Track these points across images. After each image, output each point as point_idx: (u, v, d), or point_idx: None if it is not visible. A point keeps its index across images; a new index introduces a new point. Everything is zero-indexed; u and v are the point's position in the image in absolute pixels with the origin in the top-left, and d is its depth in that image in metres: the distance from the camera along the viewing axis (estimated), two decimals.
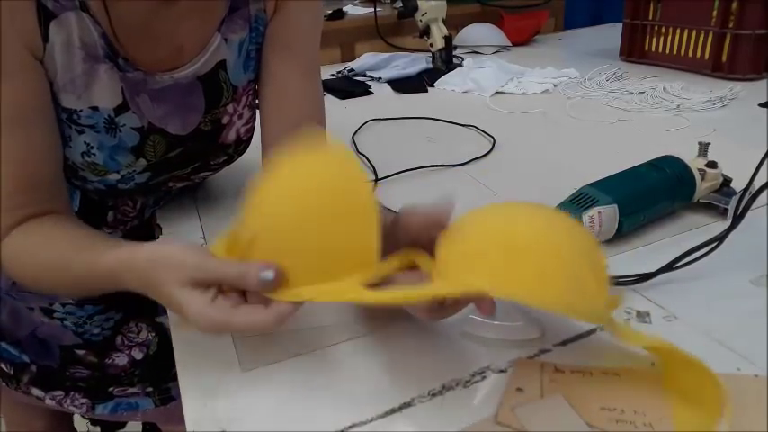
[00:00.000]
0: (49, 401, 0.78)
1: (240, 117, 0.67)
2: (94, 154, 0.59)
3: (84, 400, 0.79)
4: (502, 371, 0.45)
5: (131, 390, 0.80)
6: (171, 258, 0.43)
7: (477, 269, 0.40)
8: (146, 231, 0.74)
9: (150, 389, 0.80)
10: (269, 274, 0.42)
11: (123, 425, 1.16)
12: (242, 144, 0.70)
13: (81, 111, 0.57)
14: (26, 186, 0.55)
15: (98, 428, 1.15)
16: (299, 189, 0.44)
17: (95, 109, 0.57)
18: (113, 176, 0.62)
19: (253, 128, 0.70)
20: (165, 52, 0.59)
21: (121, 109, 0.58)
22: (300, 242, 0.43)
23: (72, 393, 0.78)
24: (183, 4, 0.57)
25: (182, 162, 0.66)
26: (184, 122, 0.63)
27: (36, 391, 0.78)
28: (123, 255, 0.47)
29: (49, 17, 0.51)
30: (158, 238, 0.70)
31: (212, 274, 0.43)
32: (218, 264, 0.43)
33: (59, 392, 0.78)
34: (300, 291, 0.43)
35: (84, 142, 0.58)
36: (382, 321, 0.51)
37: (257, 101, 0.69)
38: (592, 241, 0.44)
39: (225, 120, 0.66)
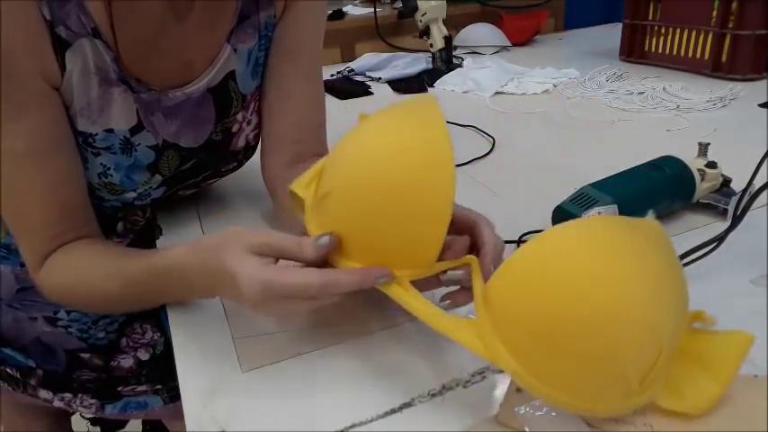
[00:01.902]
0: (57, 403, 0.78)
1: (249, 123, 0.67)
2: (111, 174, 0.60)
3: (92, 401, 0.79)
4: (502, 371, 0.45)
5: (140, 388, 0.80)
6: (235, 231, 0.45)
7: (512, 338, 0.37)
8: (147, 232, 0.74)
9: (159, 386, 0.80)
10: (324, 239, 0.43)
11: (123, 425, 1.16)
12: (251, 149, 0.70)
13: (96, 134, 0.57)
14: (60, 214, 0.56)
15: (98, 429, 1.15)
16: (381, 171, 0.41)
17: (110, 131, 0.57)
18: (130, 194, 0.62)
19: (260, 132, 0.70)
20: (174, 69, 0.59)
21: (136, 129, 0.59)
22: (364, 223, 0.43)
23: (80, 395, 0.79)
24: (192, 19, 0.57)
25: (194, 173, 0.67)
26: (196, 135, 0.63)
27: (44, 394, 0.78)
28: (186, 245, 0.48)
29: (64, 46, 0.51)
30: (158, 238, 0.70)
31: (273, 241, 0.44)
32: (279, 235, 0.45)
33: (68, 394, 0.78)
34: (352, 264, 0.44)
35: (101, 164, 0.59)
36: (382, 322, 0.52)
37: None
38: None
39: (235, 128, 0.66)
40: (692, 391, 0.38)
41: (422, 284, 0.45)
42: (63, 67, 0.52)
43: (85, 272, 0.55)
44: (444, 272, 0.46)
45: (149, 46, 0.56)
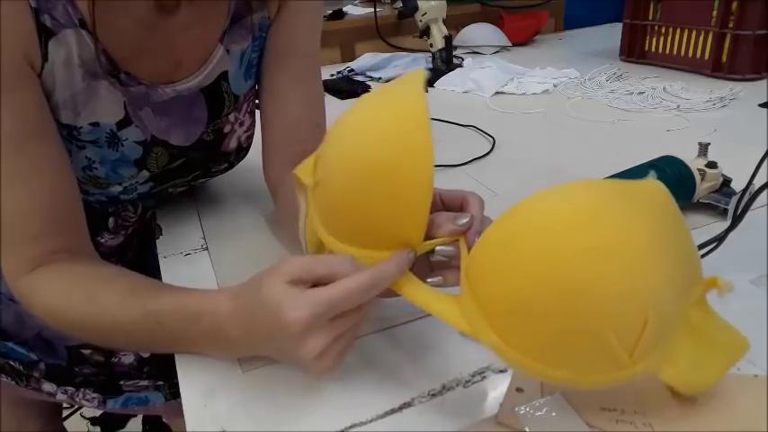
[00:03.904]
0: (60, 396, 0.79)
1: (241, 124, 0.67)
2: (96, 168, 0.59)
3: (95, 395, 0.79)
4: (502, 371, 0.45)
5: (142, 383, 0.80)
6: (270, 267, 0.42)
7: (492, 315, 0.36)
8: (146, 232, 0.74)
9: (160, 383, 0.80)
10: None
11: (124, 425, 1.16)
12: (243, 151, 0.70)
13: (81, 127, 0.56)
14: (49, 206, 0.52)
15: (98, 429, 1.15)
16: (362, 155, 0.41)
17: (96, 125, 0.57)
18: (116, 188, 0.62)
19: (253, 134, 0.70)
20: (164, 66, 0.58)
21: (124, 123, 0.58)
22: (350, 207, 0.43)
23: (83, 389, 0.79)
24: (181, 17, 0.57)
25: (183, 171, 0.66)
26: (187, 134, 0.63)
27: (47, 387, 0.78)
28: (231, 287, 0.45)
29: (48, 35, 0.51)
30: (158, 238, 0.70)
31: (312, 265, 0.41)
32: (317, 258, 0.42)
33: (70, 388, 0.79)
34: (348, 248, 0.44)
35: (86, 157, 0.58)
36: (382, 322, 0.51)
37: (257, 101, 0.69)
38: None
39: (227, 129, 0.66)
40: (693, 370, 0.37)
41: (416, 272, 0.44)
42: (45, 56, 0.51)
43: (90, 307, 0.50)
44: (433, 251, 0.45)
45: (136, 42, 0.56)
